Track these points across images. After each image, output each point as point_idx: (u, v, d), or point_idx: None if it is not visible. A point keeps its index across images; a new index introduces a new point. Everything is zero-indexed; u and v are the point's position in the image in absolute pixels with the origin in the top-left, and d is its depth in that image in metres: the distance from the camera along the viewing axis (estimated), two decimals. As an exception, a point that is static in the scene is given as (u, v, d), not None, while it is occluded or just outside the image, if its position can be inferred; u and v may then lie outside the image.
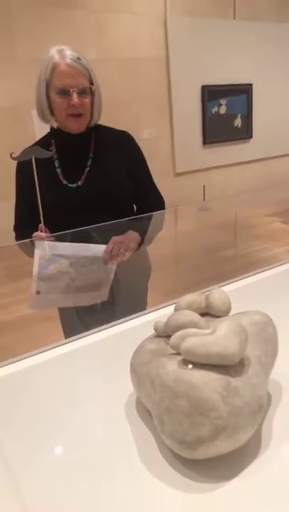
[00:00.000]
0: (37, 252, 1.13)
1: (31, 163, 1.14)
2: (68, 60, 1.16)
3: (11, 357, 0.77)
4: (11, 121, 3.40)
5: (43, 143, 1.31)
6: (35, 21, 3.41)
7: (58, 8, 3.50)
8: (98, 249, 1.19)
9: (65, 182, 1.28)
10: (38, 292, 1.15)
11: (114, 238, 1.21)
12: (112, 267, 1.21)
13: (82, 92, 1.19)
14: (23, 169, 1.25)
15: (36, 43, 3.38)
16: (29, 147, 1.17)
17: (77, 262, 1.18)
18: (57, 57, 1.16)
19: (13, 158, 1.12)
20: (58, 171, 1.28)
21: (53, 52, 1.18)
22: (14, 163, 1.31)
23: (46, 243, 1.14)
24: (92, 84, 1.22)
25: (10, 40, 3.34)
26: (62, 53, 1.17)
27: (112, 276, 1.23)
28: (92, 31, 3.69)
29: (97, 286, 1.24)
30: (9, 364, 0.75)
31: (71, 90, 1.17)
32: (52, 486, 0.49)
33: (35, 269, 1.13)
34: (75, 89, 1.17)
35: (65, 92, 1.17)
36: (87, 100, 1.21)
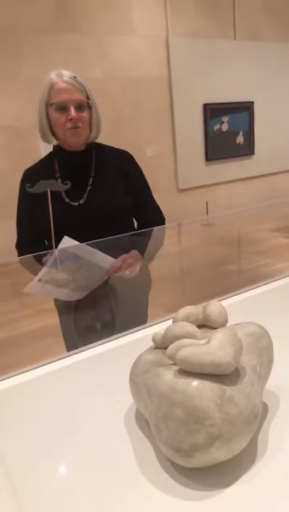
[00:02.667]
0: (61, 245, 1.17)
1: (35, 180, 1.18)
2: (65, 78, 1.23)
3: (10, 373, 0.78)
4: (17, 139, 3.48)
5: (46, 162, 1.35)
6: (40, 44, 3.51)
7: (62, 31, 3.61)
8: (106, 260, 1.22)
9: (67, 200, 1.32)
10: (40, 279, 1.18)
11: (125, 257, 1.25)
12: (105, 276, 1.25)
13: (79, 107, 1.24)
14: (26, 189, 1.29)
15: (42, 64, 3.48)
16: (46, 180, 1.21)
17: (86, 265, 1.22)
18: (54, 77, 1.23)
19: (30, 190, 1.17)
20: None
21: (51, 75, 1.25)
22: (18, 182, 1.35)
23: (72, 240, 1.17)
24: (89, 99, 1.26)
25: (16, 62, 3.44)
26: (59, 74, 1.24)
27: (99, 283, 1.26)
28: (95, 53, 3.79)
29: (85, 288, 1.27)
30: (10, 377, 0.76)
31: (69, 105, 1.22)
32: (52, 494, 0.50)
33: (51, 260, 1.18)
34: (73, 103, 1.22)
35: (63, 108, 1.23)
36: (85, 115, 1.26)
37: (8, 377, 0.77)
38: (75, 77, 1.24)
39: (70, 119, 1.23)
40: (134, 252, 1.31)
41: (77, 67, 3.92)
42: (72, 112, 1.22)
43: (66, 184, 1.20)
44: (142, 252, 1.40)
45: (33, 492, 0.50)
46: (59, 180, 1.32)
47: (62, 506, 0.48)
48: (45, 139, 1.32)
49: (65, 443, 0.58)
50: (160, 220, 1.46)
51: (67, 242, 1.17)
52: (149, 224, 1.43)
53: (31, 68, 3.45)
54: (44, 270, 1.19)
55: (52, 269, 1.20)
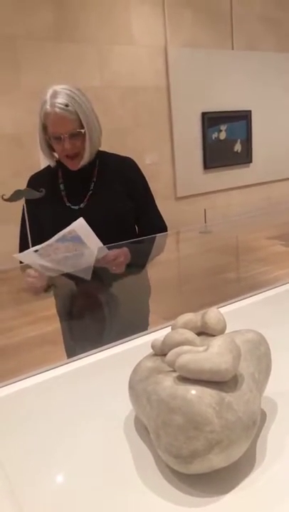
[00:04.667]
0: (75, 225, 1.18)
1: (38, 188, 1.20)
2: (57, 110, 1.25)
3: (12, 378, 0.79)
4: (16, 147, 3.50)
5: (51, 169, 1.38)
6: (40, 53, 3.55)
7: (62, 41, 3.64)
8: (97, 244, 1.25)
9: (68, 204, 1.34)
10: (36, 250, 1.19)
11: (117, 254, 1.26)
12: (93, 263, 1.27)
13: (72, 135, 1.27)
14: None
15: (41, 73, 3.50)
16: (21, 189, 1.23)
17: (81, 248, 1.23)
18: (48, 106, 1.25)
19: (5, 200, 1.18)
20: (63, 193, 1.35)
21: (47, 97, 1.26)
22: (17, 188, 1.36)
23: (85, 223, 1.18)
24: (82, 127, 1.29)
25: (16, 71, 3.47)
26: (52, 101, 1.24)
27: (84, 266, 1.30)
28: (94, 62, 3.82)
29: (70, 267, 1.31)
30: (9, 384, 0.77)
31: (62, 136, 1.26)
32: (51, 500, 0.50)
33: (57, 236, 1.19)
34: (66, 135, 1.26)
35: (57, 138, 1.28)
36: (79, 142, 1.30)
37: (8, 384, 0.77)
38: (67, 105, 1.26)
39: (66, 149, 1.28)
40: (125, 250, 1.33)
41: (76, 77, 3.96)
42: (66, 143, 1.27)
43: (41, 191, 1.22)
44: (142, 259, 1.41)
45: (32, 498, 0.50)
46: (62, 185, 1.34)
47: (60, 508, 0.48)
48: (46, 156, 1.37)
49: (64, 449, 0.58)
50: (161, 227, 1.47)
51: (80, 224, 1.18)
52: (150, 230, 1.44)
53: (31, 77, 3.48)
54: (44, 245, 1.20)
55: (53, 244, 1.21)
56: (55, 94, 1.26)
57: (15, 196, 1.18)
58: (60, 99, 1.25)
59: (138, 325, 1.33)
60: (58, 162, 1.38)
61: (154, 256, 1.53)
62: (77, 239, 1.21)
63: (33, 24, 3.49)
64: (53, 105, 1.25)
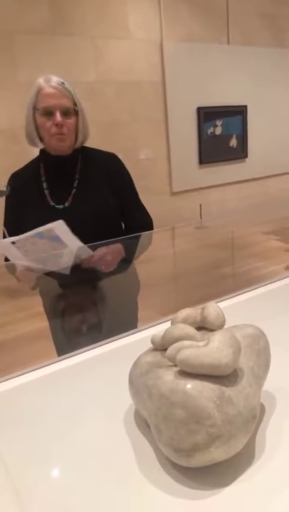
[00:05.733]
0: (54, 225, 1.16)
1: (20, 186, 1.19)
2: (53, 84, 1.24)
3: (7, 375, 0.78)
4: (11, 142, 3.47)
5: (32, 166, 1.36)
6: (35, 46, 3.52)
7: (57, 35, 3.61)
8: (85, 250, 1.24)
9: (52, 203, 1.31)
10: (13, 242, 1.18)
11: (105, 252, 1.25)
12: (76, 262, 1.26)
13: (65, 113, 1.24)
14: (13, 192, 1.31)
15: (37, 67, 3.48)
16: None
17: (61, 248, 1.22)
18: (42, 82, 1.24)
19: None
20: (46, 192, 1.32)
21: (40, 79, 1.25)
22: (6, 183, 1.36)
23: (64, 225, 1.17)
24: (75, 105, 1.27)
25: (12, 65, 3.44)
26: (47, 79, 1.24)
27: (64, 266, 1.29)
28: (90, 56, 3.80)
29: (48, 266, 1.30)
30: (4, 381, 0.77)
31: (55, 110, 1.23)
32: (52, 495, 0.50)
33: (36, 231, 1.17)
34: (59, 109, 1.23)
35: (48, 112, 1.24)
36: (71, 121, 1.26)
37: (6, 380, 0.77)
38: (63, 83, 1.24)
39: (56, 125, 1.24)
40: (118, 246, 1.31)
41: (72, 71, 3.94)
42: (58, 117, 1.23)
43: (6, 188, 1.21)
44: (132, 255, 1.40)
45: (33, 495, 0.51)
46: (44, 183, 1.33)
47: (62, 507, 0.48)
48: (31, 142, 1.33)
49: (64, 445, 0.59)
50: (147, 222, 1.46)
51: (60, 225, 1.17)
52: (135, 225, 1.42)
53: (26, 72, 3.45)
54: (22, 236, 1.18)
55: (30, 239, 1.19)
56: (49, 77, 1.25)
57: None
58: (56, 78, 1.25)
59: (127, 321, 1.33)
60: (41, 154, 1.35)
61: (148, 252, 1.52)
62: (55, 238, 1.19)
63: (29, 19, 3.46)
64: (48, 81, 1.24)
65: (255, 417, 0.51)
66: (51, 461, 0.56)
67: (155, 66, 4.19)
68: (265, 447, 0.54)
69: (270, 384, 0.60)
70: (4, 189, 1.21)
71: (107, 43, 3.87)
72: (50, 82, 1.24)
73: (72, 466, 0.55)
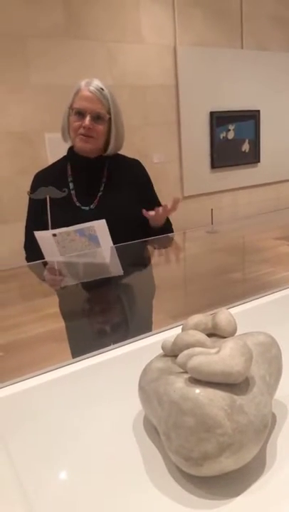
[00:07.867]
0: (96, 224, 1.21)
1: (45, 185, 1.20)
2: (91, 88, 1.26)
3: (19, 376, 0.79)
4: (24, 144, 3.51)
5: (59, 166, 1.37)
6: (48, 50, 3.55)
7: (71, 38, 3.64)
8: (109, 244, 1.27)
9: (78, 204, 1.34)
10: (54, 235, 1.20)
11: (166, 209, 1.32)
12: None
13: (96, 118, 1.26)
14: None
15: (49, 70, 3.51)
16: (45, 187, 1.23)
17: (93, 251, 1.24)
18: (83, 85, 1.26)
19: (30, 196, 1.20)
20: (72, 192, 1.34)
21: (82, 81, 1.29)
22: (25, 186, 1.37)
23: (105, 225, 1.20)
24: (109, 114, 1.28)
25: (25, 68, 3.48)
26: (88, 82, 1.28)
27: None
28: (103, 60, 3.82)
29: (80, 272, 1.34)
30: (16, 383, 0.77)
31: (86, 113, 1.25)
32: (59, 499, 0.50)
33: (77, 227, 1.21)
34: (90, 113, 1.25)
35: (80, 114, 1.26)
36: (101, 127, 1.28)
37: (15, 383, 0.77)
38: (102, 89, 1.27)
39: (84, 127, 1.26)
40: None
41: (85, 75, 3.95)
42: (87, 120, 1.26)
43: (64, 192, 1.22)
44: (146, 260, 1.41)
45: (41, 497, 0.51)
46: (71, 184, 1.35)
47: (69, 511, 0.48)
48: (64, 137, 1.37)
49: (72, 449, 0.58)
50: (168, 227, 1.48)
51: (101, 225, 1.19)
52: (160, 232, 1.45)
53: (39, 75, 3.49)
54: (64, 230, 1.21)
55: (71, 234, 1.21)
56: (91, 81, 1.28)
57: (39, 194, 1.20)
58: (97, 83, 1.28)
59: (142, 325, 1.33)
60: (69, 154, 1.38)
61: (161, 255, 1.53)
62: (94, 238, 1.22)
63: (43, 22, 3.49)
64: (88, 84, 1.28)
65: (267, 426, 0.50)
66: (60, 464, 0.56)
67: (168, 70, 4.20)
68: (276, 457, 0.53)
69: (281, 393, 0.59)
70: (60, 191, 1.22)
71: (120, 47, 3.89)
72: (90, 85, 1.27)
73: (81, 470, 0.55)
